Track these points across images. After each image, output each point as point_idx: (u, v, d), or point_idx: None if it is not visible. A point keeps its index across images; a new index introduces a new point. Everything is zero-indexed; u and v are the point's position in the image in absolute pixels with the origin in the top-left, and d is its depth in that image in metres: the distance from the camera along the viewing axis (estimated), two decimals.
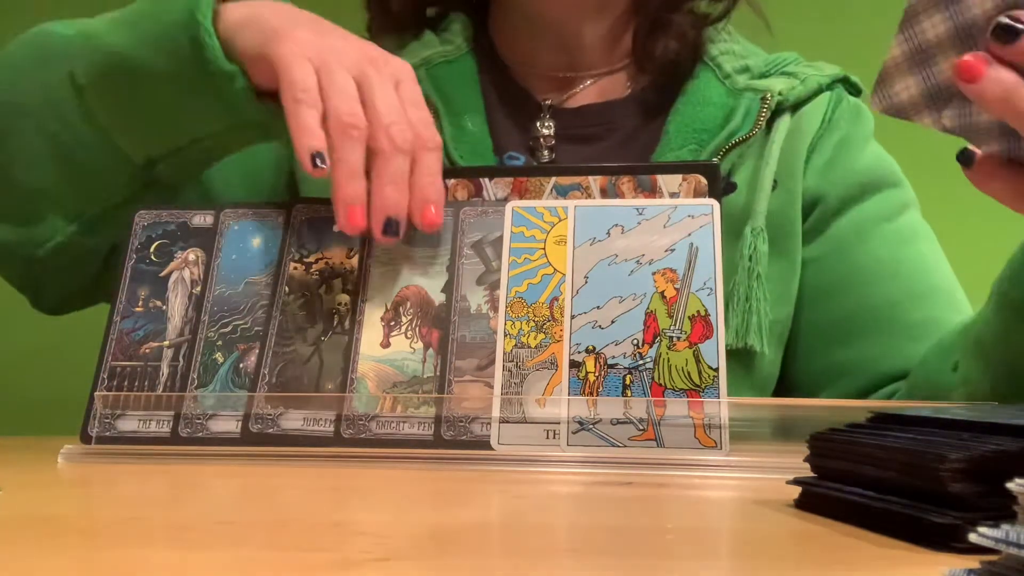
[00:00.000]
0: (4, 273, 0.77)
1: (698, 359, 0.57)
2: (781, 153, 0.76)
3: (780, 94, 0.77)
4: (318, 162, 0.58)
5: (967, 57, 0.46)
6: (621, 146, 0.81)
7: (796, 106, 0.79)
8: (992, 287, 0.62)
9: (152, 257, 0.65)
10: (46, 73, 0.69)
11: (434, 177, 0.61)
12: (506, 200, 0.64)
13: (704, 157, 0.76)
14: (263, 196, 0.81)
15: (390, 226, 0.59)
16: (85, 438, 0.60)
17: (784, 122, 0.77)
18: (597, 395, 0.57)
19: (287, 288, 0.62)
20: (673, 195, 0.64)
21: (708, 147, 0.76)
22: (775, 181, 0.76)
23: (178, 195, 0.73)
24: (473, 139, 0.79)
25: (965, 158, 0.51)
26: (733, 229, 0.74)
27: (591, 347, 0.58)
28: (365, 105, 0.60)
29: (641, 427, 0.56)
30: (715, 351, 0.57)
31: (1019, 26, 0.45)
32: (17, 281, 0.77)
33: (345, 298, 0.62)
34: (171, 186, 0.71)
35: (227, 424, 0.59)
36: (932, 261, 0.79)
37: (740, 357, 0.74)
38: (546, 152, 0.81)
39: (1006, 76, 0.46)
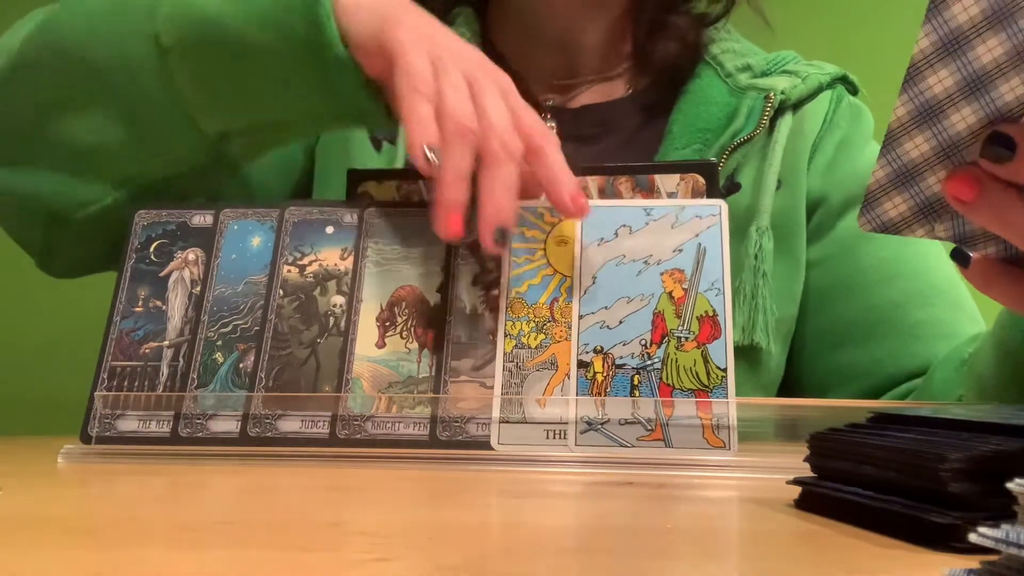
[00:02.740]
0: (23, 232, 0.72)
1: (706, 359, 0.57)
2: (784, 152, 0.77)
3: (783, 93, 0.78)
4: (431, 156, 0.55)
5: (957, 176, 0.45)
6: (624, 146, 0.81)
7: (797, 104, 0.79)
8: (994, 322, 0.62)
9: (152, 257, 0.65)
10: (125, 26, 0.65)
11: (564, 167, 0.58)
12: None
13: (709, 156, 0.76)
14: (294, 176, 0.81)
15: (502, 236, 0.57)
16: (85, 438, 0.60)
17: (786, 121, 0.78)
18: (605, 395, 0.57)
19: (282, 291, 0.62)
20: (671, 195, 0.64)
21: (713, 147, 0.77)
22: (779, 181, 0.77)
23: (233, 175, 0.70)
24: None
25: (960, 258, 0.50)
26: (738, 228, 0.75)
27: (599, 347, 0.58)
28: (477, 109, 0.57)
29: (649, 427, 0.56)
30: (723, 351, 0.57)
31: (1010, 140, 0.43)
32: (29, 243, 0.73)
33: (340, 300, 0.62)
34: (234, 164, 0.68)
35: (227, 424, 0.59)
36: (933, 260, 0.79)
37: (747, 355, 0.74)
38: None
39: (999, 194, 0.45)
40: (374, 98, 0.61)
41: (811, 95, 0.80)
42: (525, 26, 0.83)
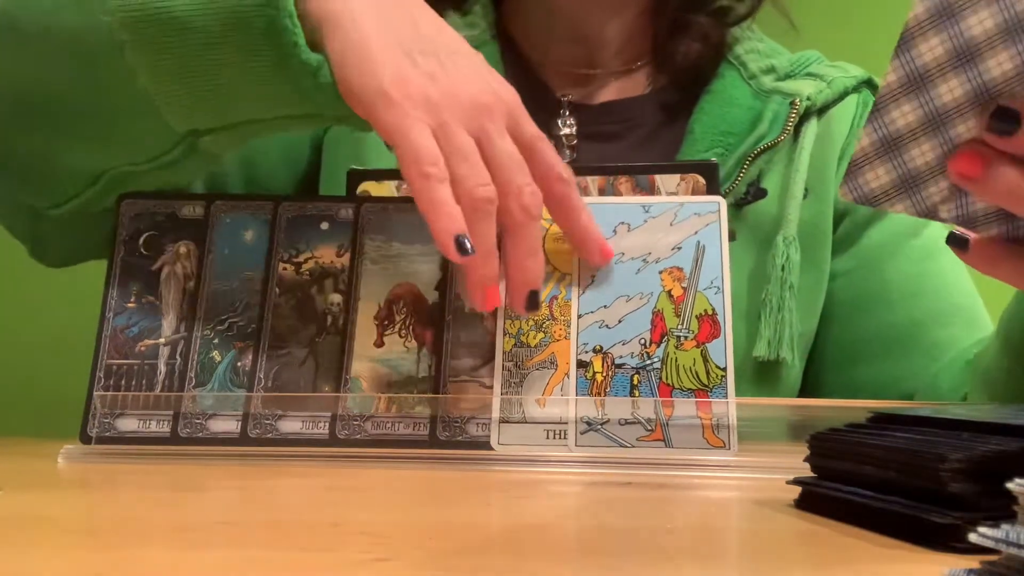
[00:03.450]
0: (6, 224, 0.71)
1: (706, 359, 0.57)
2: (811, 159, 0.76)
3: (809, 99, 0.76)
4: (467, 247, 0.52)
5: (961, 154, 0.45)
6: (644, 145, 0.79)
7: (822, 109, 0.78)
8: (999, 320, 0.62)
9: (142, 250, 0.63)
10: (78, 15, 0.58)
11: (590, 218, 0.58)
12: None
13: (732, 161, 0.75)
14: (300, 167, 0.80)
15: (533, 300, 0.56)
16: (85, 438, 0.59)
17: (812, 127, 0.76)
18: (605, 395, 0.57)
19: (278, 290, 0.62)
20: (671, 195, 0.64)
21: (735, 151, 0.76)
22: (806, 189, 0.75)
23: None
24: None
25: (957, 242, 0.50)
26: (764, 237, 0.74)
27: (598, 347, 0.58)
28: (489, 166, 0.54)
29: (649, 427, 0.56)
30: (723, 351, 0.57)
31: (1015, 113, 0.43)
32: (20, 234, 0.71)
33: (337, 298, 0.62)
34: (212, 155, 0.62)
35: (227, 424, 0.59)
36: (953, 277, 0.79)
37: (771, 369, 0.73)
38: (568, 151, 0.79)
39: (1007, 170, 0.44)
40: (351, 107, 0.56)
41: (836, 99, 0.79)
42: (543, 18, 0.82)
